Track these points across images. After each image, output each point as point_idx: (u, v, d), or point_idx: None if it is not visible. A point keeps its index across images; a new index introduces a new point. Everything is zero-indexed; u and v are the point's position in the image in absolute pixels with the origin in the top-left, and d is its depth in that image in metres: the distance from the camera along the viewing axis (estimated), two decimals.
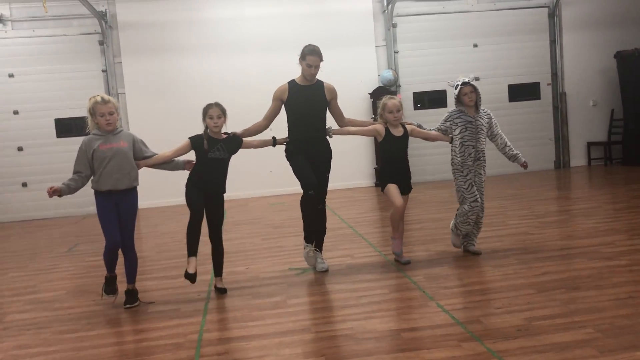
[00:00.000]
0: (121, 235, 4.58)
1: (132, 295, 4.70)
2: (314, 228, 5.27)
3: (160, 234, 8.16)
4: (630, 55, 11.62)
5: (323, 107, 5.20)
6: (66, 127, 10.99)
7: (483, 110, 5.32)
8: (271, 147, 5.22)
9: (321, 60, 5.09)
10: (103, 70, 11.23)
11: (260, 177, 11.10)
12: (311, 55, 5.03)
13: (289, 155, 5.20)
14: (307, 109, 5.09)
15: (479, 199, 5.27)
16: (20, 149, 11.12)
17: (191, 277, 4.68)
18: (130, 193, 4.62)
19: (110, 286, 4.79)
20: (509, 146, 5.43)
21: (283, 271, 5.47)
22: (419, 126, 5.34)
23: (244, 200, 10.86)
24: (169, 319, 4.30)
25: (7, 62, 11.03)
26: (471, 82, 5.21)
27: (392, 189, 5.13)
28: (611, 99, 12.29)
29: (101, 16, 10.96)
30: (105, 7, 11.16)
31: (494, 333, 3.53)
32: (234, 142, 4.88)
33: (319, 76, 5.21)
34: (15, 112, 11.10)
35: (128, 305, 4.64)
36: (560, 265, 4.92)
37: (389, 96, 5.27)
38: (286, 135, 5.20)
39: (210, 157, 4.73)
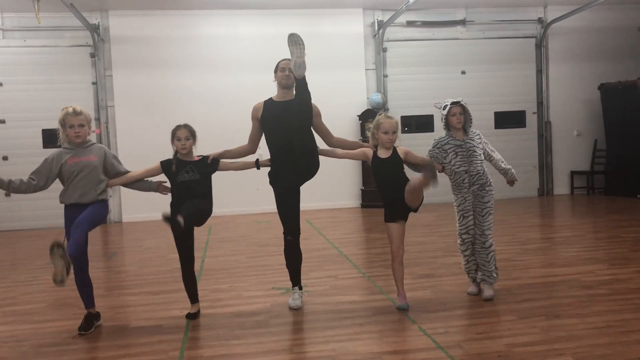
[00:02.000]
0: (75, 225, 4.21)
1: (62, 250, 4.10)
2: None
3: (143, 249, 8.11)
4: (614, 87, 11.88)
5: (303, 122, 4.74)
6: (53, 138, 10.72)
7: (472, 131, 4.94)
8: (257, 169, 4.93)
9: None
10: (93, 83, 11.24)
11: (247, 195, 11.10)
12: (283, 60, 4.83)
13: (272, 182, 4.87)
14: (283, 124, 4.69)
15: (471, 231, 4.87)
16: (5, 158, 11.04)
17: (193, 316, 4.65)
18: (97, 204, 4.39)
19: (87, 322, 4.45)
20: (503, 161, 5.07)
21: (267, 290, 5.46)
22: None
23: (229, 217, 10.84)
24: (150, 335, 4.27)
25: None
26: (461, 102, 4.88)
27: (390, 228, 4.67)
28: (594, 130, 12.52)
29: (94, 29, 10.99)
30: (98, 20, 11.20)
31: (475, 358, 3.56)
32: (207, 165, 4.65)
33: None
34: (2, 121, 11.04)
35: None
36: (542, 292, 4.98)
37: (385, 114, 4.84)
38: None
39: (179, 181, 4.56)
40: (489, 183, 4.90)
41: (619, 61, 12.44)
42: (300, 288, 4.99)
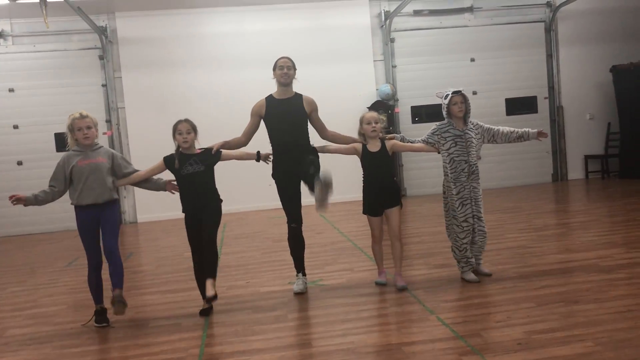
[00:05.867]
0: (103, 240, 4.54)
1: (120, 300, 4.49)
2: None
3: (160, 248, 8.17)
4: (626, 69, 11.73)
5: (303, 120, 5.05)
6: (66, 142, 10.99)
7: (470, 122, 5.06)
8: (256, 161, 5.02)
9: (292, 63, 5.03)
10: (103, 85, 11.29)
11: (259, 190, 11.08)
12: (281, 58, 5.05)
13: (275, 177, 5.13)
14: (286, 123, 4.98)
15: (470, 219, 4.99)
16: (19, 163, 11.14)
17: (206, 312, 4.70)
18: (111, 206, 4.59)
19: (100, 316, 4.65)
20: (513, 130, 5.11)
21: (283, 285, 5.48)
22: (402, 139, 5.15)
23: (242, 214, 10.87)
24: (170, 334, 4.31)
25: (7, 76, 11.09)
26: (462, 92, 5.00)
27: (370, 221, 5.10)
28: (607, 113, 12.38)
29: (101, 31, 11.04)
30: (106, 22, 11.25)
31: (494, 347, 3.55)
32: (211, 156, 4.72)
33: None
34: (15, 127, 11.13)
35: (119, 305, 4.49)
36: (559, 278, 4.94)
37: (367, 110, 5.09)
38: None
39: (183, 174, 4.64)
40: (478, 172, 5.08)
41: (630, 42, 12.27)
42: (304, 274, 5.24)
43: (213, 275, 4.56)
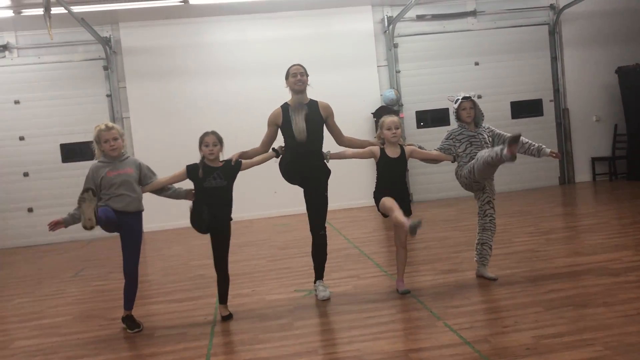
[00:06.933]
0: (125, 261, 4.62)
1: (132, 321, 4.69)
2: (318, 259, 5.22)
3: (166, 257, 8.16)
4: (632, 70, 11.67)
5: (319, 126, 5.07)
6: (71, 152, 11.07)
7: (483, 127, 5.12)
8: (275, 162, 5.11)
9: (304, 70, 5.04)
10: (108, 95, 11.33)
11: (265, 198, 11.12)
12: (293, 66, 5.06)
13: (287, 179, 5.15)
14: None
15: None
16: (26, 174, 11.18)
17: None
18: (136, 217, 4.65)
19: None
20: (528, 142, 5.09)
21: (289, 293, 5.45)
22: (420, 147, 5.12)
23: (248, 222, 10.86)
24: (176, 343, 4.29)
25: (13, 88, 11.14)
26: (472, 98, 5.05)
27: (387, 201, 4.74)
28: (614, 114, 12.30)
29: (105, 42, 11.09)
30: (110, 32, 11.30)
31: (502, 352, 3.51)
32: (232, 168, 4.79)
33: (314, 96, 5.14)
34: (21, 138, 11.18)
35: (136, 330, 4.63)
36: (568, 282, 4.89)
37: (387, 115, 5.11)
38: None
39: (206, 187, 4.68)
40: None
41: (635, 43, 12.21)
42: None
43: (226, 301, 4.85)
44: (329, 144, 5.13)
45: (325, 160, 5.08)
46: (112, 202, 4.52)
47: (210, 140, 4.69)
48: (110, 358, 4.14)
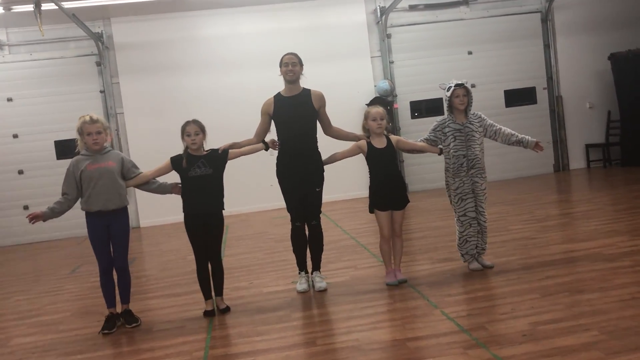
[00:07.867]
0: (114, 257, 4.59)
1: (130, 315, 4.69)
2: (311, 249, 5.22)
3: (162, 252, 8.16)
4: (624, 56, 11.69)
5: (312, 116, 5.02)
6: (66, 149, 11.01)
7: (473, 114, 5.08)
8: (266, 154, 5.10)
9: (298, 59, 5.00)
10: (101, 91, 11.29)
11: (261, 191, 11.11)
12: (286, 55, 5.01)
13: (279, 175, 5.09)
14: (294, 120, 4.95)
15: (470, 213, 5.05)
16: (20, 172, 11.15)
17: (210, 313, 4.72)
18: (121, 213, 4.60)
19: (108, 322, 4.62)
20: (513, 134, 5.12)
21: (287, 285, 5.47)
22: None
23: (245, 215, 10.87)
24: (174, 337, 4.30)
25: (5, 86, 11.08)
26: (465, 85, 5.01)
27: (379, 216, 4.91)
28: (607, 101, 12.33)
29: (97, 37, 11.03)
30: (102, 28, 11.24)
31: (499, 339, 3.53)
32: (218, 156, 4.70)
33: (307, 85, 5.11)
34: (15, 136, 11.14)
35: (134, 325, 4.64)
36: (563, 268, 4.92)
37: (373, 105, 5.05)
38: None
39: (191, 176, 4.62)
40: (484, 169, 5.09)
41: (628, 30, 12.21)
42: (307, 272, 5.34)
43: (222, 294, 4.84)
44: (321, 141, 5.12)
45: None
46: (90, 202, 4.45)
47: (192, 130, 4.62)
48: (109, 353, 4.15)
